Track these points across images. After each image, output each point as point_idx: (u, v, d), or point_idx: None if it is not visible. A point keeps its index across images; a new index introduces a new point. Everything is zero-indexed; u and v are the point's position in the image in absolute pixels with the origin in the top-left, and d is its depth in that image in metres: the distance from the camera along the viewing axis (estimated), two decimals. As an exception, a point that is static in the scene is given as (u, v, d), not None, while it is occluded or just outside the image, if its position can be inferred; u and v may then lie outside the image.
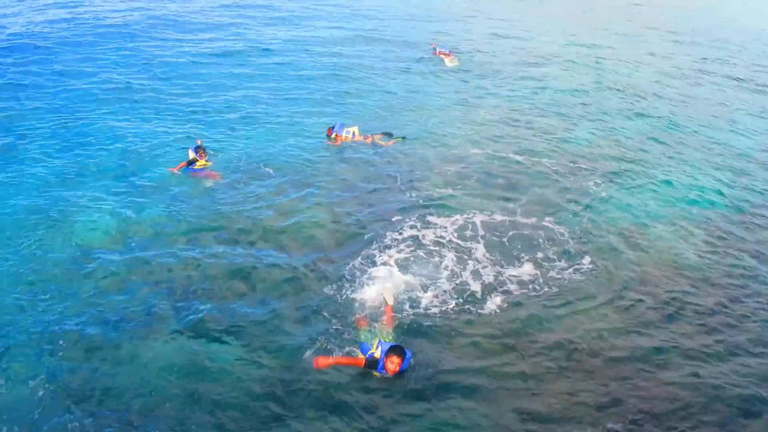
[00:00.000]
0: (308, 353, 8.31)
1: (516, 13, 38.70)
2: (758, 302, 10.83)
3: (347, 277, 10.20)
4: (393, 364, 7.52)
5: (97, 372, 8.01)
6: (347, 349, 8.43)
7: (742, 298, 10.89)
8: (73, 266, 10.19)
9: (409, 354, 7.78)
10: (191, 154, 13.53)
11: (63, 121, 15.73)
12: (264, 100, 18.42)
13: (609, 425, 7.73)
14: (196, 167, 13.46)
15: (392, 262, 10.82)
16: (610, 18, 39.32)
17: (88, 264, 10.16)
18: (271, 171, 13.90)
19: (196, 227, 11.50)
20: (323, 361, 7.91)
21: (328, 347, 8.44)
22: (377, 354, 7.74)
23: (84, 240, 10.98)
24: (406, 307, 9.52)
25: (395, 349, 7.59)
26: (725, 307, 10.54)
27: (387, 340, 8.18)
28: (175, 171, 13.48)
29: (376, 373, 7.79)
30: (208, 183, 13.28)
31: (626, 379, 8.68)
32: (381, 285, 9.76)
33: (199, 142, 13.85)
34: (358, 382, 7.90)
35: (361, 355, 7.99)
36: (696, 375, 8.81)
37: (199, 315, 9.14)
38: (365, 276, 10.22)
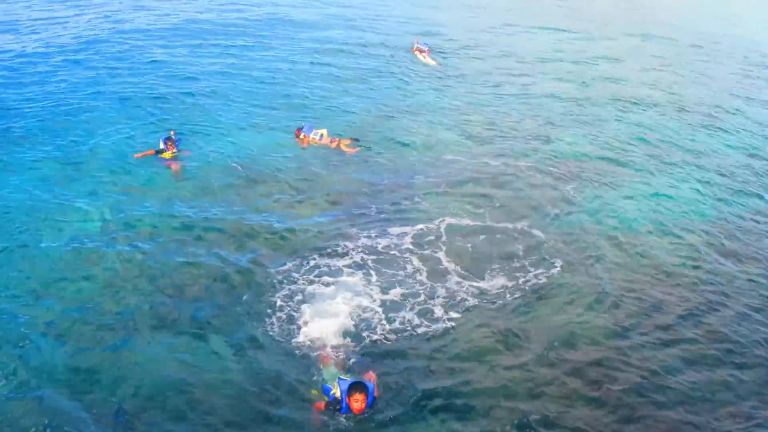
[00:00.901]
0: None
1: (504, 12, 39.14)
2: (735, 305, 11.15)
3: (293, 293, 9.92)
4: (357, 402, 6.97)
5: (83, 367, 8.16)
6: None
7: (719, 301, 11.20)
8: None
9: (370, 386, 7.26)
10: (161, 144, 13.96)
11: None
12: (238, 99, 18.81)
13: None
14: (162, 156, 13.92)
15: (348, 275, 10.57)
16: (598, 19, 39.59)
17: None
18: (238, 167, 14.24)
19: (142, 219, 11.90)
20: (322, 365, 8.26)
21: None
22: (338, 393, 7.23)
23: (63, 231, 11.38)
24: (367, 330, 9.26)
25: (355, 387, 7.04)
26: (704, 310, 10.88)
27: (344, 377, 7.77)
28: (138, 156, 13.98)
29: (341, 416, 7.30)
30: (171, 173, 13.81)
31: (601, 387, 8.75)
32: (335, 317, 9.35)
33: (171, 133, 14.21)
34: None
35: (324, 397, 7.55)
36: (673, 372, 9.08)
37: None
38: (313, 296, 9.89)
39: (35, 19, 27.91)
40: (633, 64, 28.26)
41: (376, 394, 7.41)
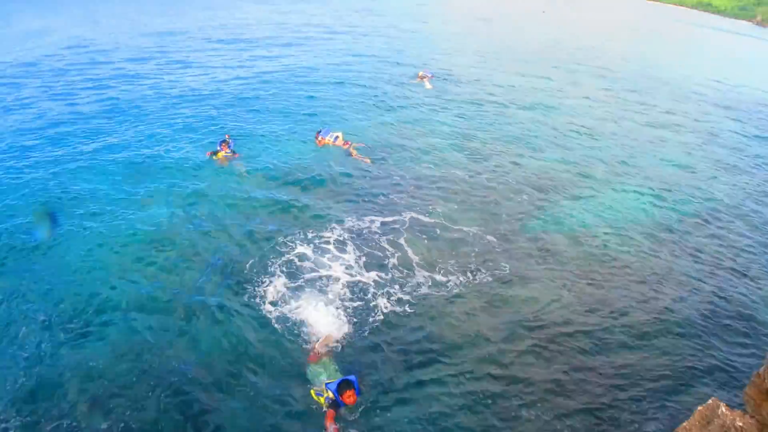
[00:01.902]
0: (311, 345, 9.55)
1: (499, 48, 42.92)
2: (669, 288, 12.32)
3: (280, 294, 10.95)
4: (350, 397, 8.05)
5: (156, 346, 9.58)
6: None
7: (672, 291, 12.20)
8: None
9: (353, 378, 8.25)
10: (217, 147, 17.19)
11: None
12: (274, 111, 22.49)
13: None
14: (217, 156, 16.97)
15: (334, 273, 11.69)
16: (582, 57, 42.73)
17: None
18: (273, 164, 17.08)
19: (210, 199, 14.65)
20: (314, 358, 9.21)
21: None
22: (331, 396, 8.19)
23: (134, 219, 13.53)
24: (347, 330, 10.03)
25: (342, 385, 8.10)
26: (646, 292, 12.03)
27: (331, 374, 8.84)
28: (208, 155, 17.13)
29: (342, 410, 8.29)
30: (224, 169, 16.68)
31: (571, 367, 9.56)
32: (320, 322, 10.12)
33: (226, 137, 17.43)
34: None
35: (321, 400, 8.43)
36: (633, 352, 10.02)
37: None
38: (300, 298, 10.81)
39: (121, 39, 33.62)
40: (585, 97, 30.46)
41: (360, 385, 8.40)
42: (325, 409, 8.20)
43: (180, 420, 8.16)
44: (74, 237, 12.73)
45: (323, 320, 10.12)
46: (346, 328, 10.03)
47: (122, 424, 7.94)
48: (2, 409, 8.16)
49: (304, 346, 9.62)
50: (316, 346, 9.43)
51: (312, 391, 8.66)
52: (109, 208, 14.04)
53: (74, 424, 7.92)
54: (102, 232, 12.95)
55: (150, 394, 8.52)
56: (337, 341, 9.70)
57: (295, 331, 9.94)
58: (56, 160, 16.76)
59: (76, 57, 33.08)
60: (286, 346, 9.65)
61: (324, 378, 8.68)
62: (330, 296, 10.93)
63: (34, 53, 34.84)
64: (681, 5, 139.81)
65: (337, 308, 10.54)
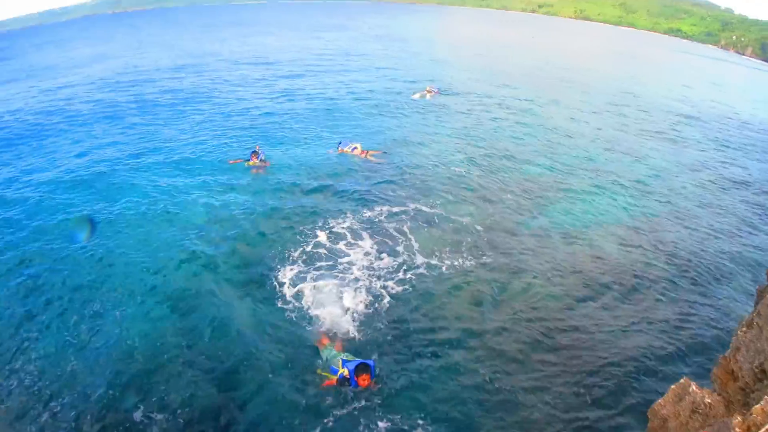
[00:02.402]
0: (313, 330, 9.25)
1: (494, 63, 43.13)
2: (645, 276, 12.27)
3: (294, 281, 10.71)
4: (365, 380, 7.66)
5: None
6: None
7: (647, 279, 12.20)
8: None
9: (372, 363, 7.84)
10: (249, 156, 17.23)
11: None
12: (299, 125, 22.67)
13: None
14: (249, 164, 17.00)
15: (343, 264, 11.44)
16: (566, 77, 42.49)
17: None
18: (299, 168, 17.08)
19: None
20: (320, 345, 8.71)
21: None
22: (346, 373, 7.74)
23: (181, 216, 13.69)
24: (356, 318, 9.69)
25: (361, 368, 7.68)
26: (626, 278, 12.02)
27: (346, 357, 8.24)
28: (231, 162, 17.21)
29: (351, 389, 7.85)
30: (256, 175, 16.73)
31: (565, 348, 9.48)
32: (329, 305, 9.85)
33: (257, 147, 17.52)
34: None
35: (331, 376, 8.01)
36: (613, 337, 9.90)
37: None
38: (311, 286, 10.55)
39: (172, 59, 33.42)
40: (568, 108, 30.34)
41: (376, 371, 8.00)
42: (336, 385, 7.86)
43: (212, 393, 8.11)
44: (125, 220, 13.25)
45: (336, 306, 9.89)
46: (355, 314, 9.78)
47: (157, 398, 7.95)
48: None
49: (318, 329, 9.42)
50: (323, 333, 9.15)
51: (318, 370, 8.31)
52: (154, 197, 14.54)
53: (116, 395, 8.00)
54: (145, 215, 13.42)
55: (185, 370, 8.49)
56: (347, 329, 9.41)
57: (310, 315, 9.82)
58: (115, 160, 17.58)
59: (126, 76, 34.00)
60: (302, 329, 9.49)
61: (340, 358, 8.20)
62: (345, 281, 10.80)
63: (93, 73, 36.01)
64: (654, 31, 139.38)
65: (350, 293, 10.36)
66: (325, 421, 7.51)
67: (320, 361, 8.48)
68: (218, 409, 7.81)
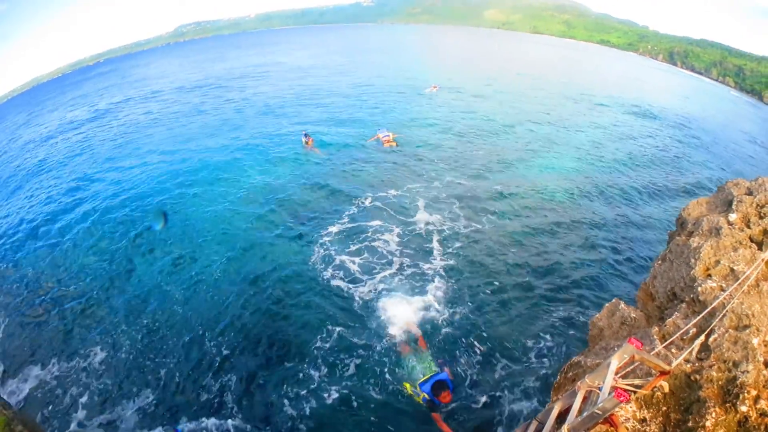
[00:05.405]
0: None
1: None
2: (594, 221, 11.71)
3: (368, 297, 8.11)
4: (446, 397, 5.90)
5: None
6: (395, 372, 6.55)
7: (597, 225, 11.59)
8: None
9: (445, 376, 6.07)
10: (303, 139, 16.24)
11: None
12: (343, 116, 21.52)
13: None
14: (308, 146, 15.95)
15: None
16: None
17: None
18: (347, 152, 15.67)
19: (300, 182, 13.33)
20: (404, 352, 6.59)
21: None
22: (426, 396, 5.91)
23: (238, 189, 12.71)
24: (429, 326, 7.40)
25: (436, 386, 5.92)
26: (579, 222, 11.52)
27: (425, 366, 6.35)
28: (308, 146, 15.85)
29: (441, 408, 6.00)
30: (312, 154, 15.63)
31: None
32: (403, 316, 7.43)
33: (304, 132, 16.71)
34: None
35: (417, 398, 6.05)
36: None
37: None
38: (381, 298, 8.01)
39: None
40: (530, 99, 28.86)
41: (450, 377, 6.19)
42: (425, 408, 5.97)
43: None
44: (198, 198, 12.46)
45: (401, 306, 7.64)
46: (421, 310, 7.65)
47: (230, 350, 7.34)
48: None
49: (387, 330, 7.30)
50: (400, 336, 6.92)
51: (407, 385, 6.24)
52: (223, 177, 13.71)
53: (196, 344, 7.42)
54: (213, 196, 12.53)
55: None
56: (417, 325, 7.31)
57: (372, 310, 7.83)
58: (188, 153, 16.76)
59: (207, 81, 33.71)
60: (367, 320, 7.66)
61: (418, 370, 6.32)
62: (395, 268, 8.78)
63: (177, 80, 35.86)
64: (589, 42, 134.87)
65: (407, 286, 8.39)
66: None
67: (404, 371, 6.46)
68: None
